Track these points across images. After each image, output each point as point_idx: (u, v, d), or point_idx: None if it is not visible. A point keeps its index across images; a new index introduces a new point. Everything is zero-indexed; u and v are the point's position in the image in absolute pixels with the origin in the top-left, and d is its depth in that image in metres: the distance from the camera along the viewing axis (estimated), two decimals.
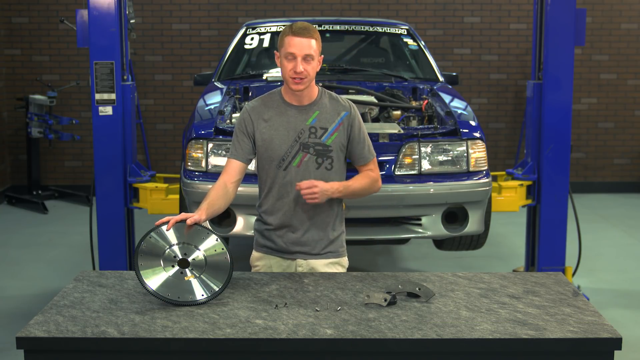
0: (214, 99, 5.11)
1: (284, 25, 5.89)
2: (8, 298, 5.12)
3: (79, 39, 4.76)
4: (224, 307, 2.45)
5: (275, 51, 3.03)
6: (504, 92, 8.66)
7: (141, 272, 2.51)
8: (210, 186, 4.28)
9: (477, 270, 5.72)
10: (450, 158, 4.48)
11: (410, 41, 5.99)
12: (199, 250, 2.57)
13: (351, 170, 3.12)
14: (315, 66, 2.90)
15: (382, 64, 6.07)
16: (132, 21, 5.65)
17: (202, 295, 2.50)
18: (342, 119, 2.97)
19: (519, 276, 2.81)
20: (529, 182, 5.03)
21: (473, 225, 4.50)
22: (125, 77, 4.86)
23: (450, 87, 5.52)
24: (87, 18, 4.67)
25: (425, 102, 4.92)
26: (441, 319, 2.36)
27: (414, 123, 4.83)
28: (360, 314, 2.40)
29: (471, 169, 4.48)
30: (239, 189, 4.41)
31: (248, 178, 4.53)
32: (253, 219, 4.33)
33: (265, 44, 5.82)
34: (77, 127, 8.14)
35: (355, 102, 4.04)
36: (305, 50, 2.85)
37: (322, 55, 2.96)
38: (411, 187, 4.38)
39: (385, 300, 2.46)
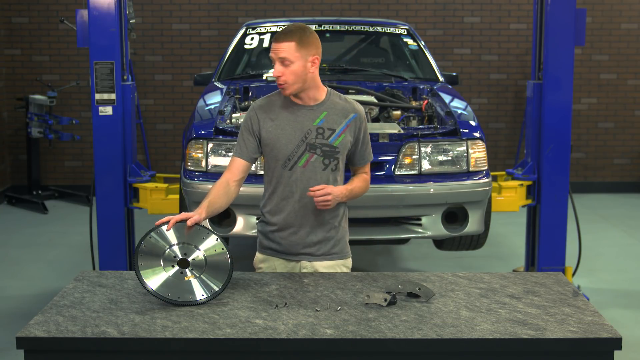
0: (214, 99, 5.11)
1: (284, 25, 5.90)
2: (8, 298, 5.12)
3: (79, 39, 4.76)
4: (224, 307, 2.45)
5: None
6: (504, 92, 8.66)
7: (141, 272, 2.51)
8: (210, 186, 4.32)
9: (477, 270, 5.72)
10: (450, 158, 4.48)
11: (410, 41, 6.00)
12: (199, 250, 2.57)
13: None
14: (296, 69, 2.83)
15: (382, 64, 6.07)
16: (132, 21, 5.65)
17: (202, 295, 2.50)
18: (350, 120, 2.96)
19: (519, 276, 2.81)
20: (529, 182, 5.03)
21: (473, 225, 4.50)
22: (125, 77, 4.86)
23: (450, 87, 5.52)
24: (87, 18, 4.67)
25: (425, 102, 4.92)
26: (441, 319, 2.36)
27: (414, 123, 4.83)
28: (360, 314, 2.40)
29: (471, 169, 4.48)
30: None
31: (248, 178, 4.53)
32: (253, 219, 4.36)
33: (265, 44, 5.82)
34: (77, 127, 8.14)
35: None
36: (280, 53, 2.83)
37: (316, 56, 2.88)
38: (411, 187, 4.38)
39: (385, 300, 2.46)
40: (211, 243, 2.59)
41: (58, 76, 8.32)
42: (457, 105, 4.91)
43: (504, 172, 5.45)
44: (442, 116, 4.71)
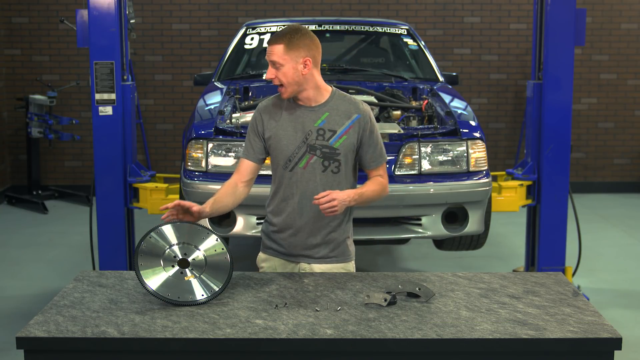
0: (214, 99, 5.11)
1: (283, 25, 5.90)
2: (8, 298, 5.12)
3: (79, 39, 4.76)
4: (224, 307, 2.45)
5: None
6: (504, 92, 8.66)
7: (141, 272, 2.51)
8: (210, 186, 4.35)
9: (477, 270, 5.72)
10: (450, 158, 4.48)
11: (410, 41, 6.00)
12: (199, 250, 2.57)
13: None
14: (286, 72, 2.84)
15: (382, 64, 6.07)
16: (132, 21, 5.65)
17: (202, 295, 2.50)
18: (353, 122, 2.92)
19: (519, 276, 2.81)
20: (529, 182, 5.03)
21: (473, 225, 4.50)
22: (125, 77, 4.86)
23: (450, 87, 5.52)
24: (87, 18, 4.67)
25: (425, 102, 4.93)
26: (441, 319, 2.36)
27: (414, 123, 4.83)
28: (360, 314, 2.40)
29: (471, 169, 4.48)
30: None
31: None
32: (253, 219, 4.36)
33: (265, 44, 5.82)
34: (77, 127, 8.14)
35: None
36: (271, 56, 2.86)
37: (307, 58, 2.85)
38: (411, 187, 4.38)
39: (385, 300, 2.46)
40: (211, 243, 2.59)
41: (58, 76, 8.32)
42: (457, 105, 4.91)
43: (504, 172, 5.45)
44: (442, 116, 4.71)
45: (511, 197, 5.05)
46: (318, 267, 2.97)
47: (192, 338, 2.21)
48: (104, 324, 2.30)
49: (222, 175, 4.38)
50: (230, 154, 4.43)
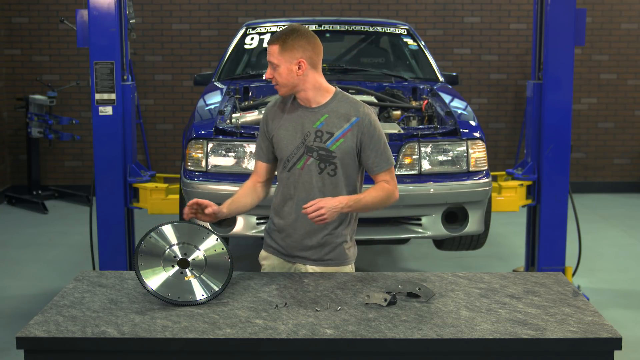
0: (214, 99, 5.11)
1: (283, 25, 5.91)
2: (8, 298, 5.12)
3: (79, 39, 4.76)
4: (224, 307, 2.45)
5: None
6: (504, 92, 8.66)
7: (141, 272, 2.51)
8: (210, 186, 4.36)
9: (477, 270, 5.72)
10: (450, 158, 4.48)
11: (410, 41, 6.00)
12: (199, 250, 2.57)
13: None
14: (281, 72, 2.84)
15: (382, 64, 6.07)
16: (132, 21, 5.65)
17: (202, 295, 2.50)
18: (352, 125, 2.87)
19: (519, 276, 2.81)
20: (529, 182, 5.03)
21: (473, 225, 4.50)
22: (125, 77, 4.86)
23: (450, 87, 5.52)
24: (87, 18, 4.67)
25: (425, 102, 4.93)
26: (441, 319, 2.36)
27: (414, 123, 4.83)
28: (360, 314, 2.40)
29: (471, 169, 4.48)
30: (239, 189, 4.38)
31: (247, 178, 4.53)
32: (253, 219, 4.36)
33: (265, 44, 5.82)
34: (77, 127, 8.14)
35: None
36: (268, 56, 2.88)
37: (301, 60, 2.83)
38: (411, 187, 4.38)
39: (385, 300, 2.46)
40: (211, 243, 2.59)
41: (58, 76, 8.32)
42: (457, 105, 4.91)
43: (504, 172, 5.45)
44: (442, 116, 4.71)
45: (511, 197, 5.05)
46: (312, 269, 2.96)
47: (192, 338, 2.21)
48: (104, 324, 2.30)
49: (222, 175, 4.38)
50: (230, 154, 4.43)
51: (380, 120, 4.85)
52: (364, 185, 3.02)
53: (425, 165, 4.45)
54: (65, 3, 8.24)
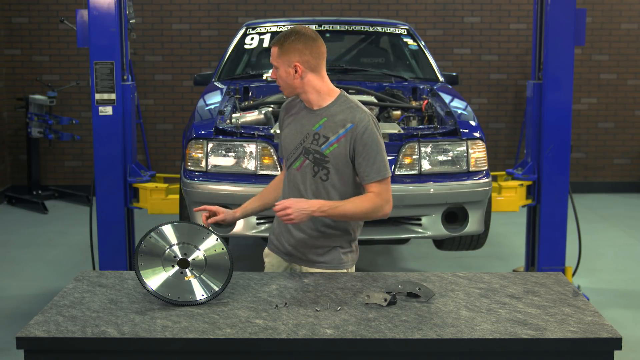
0: (214, 99, 5.11)
1: (284, 25, 5.91)
2: (8, 298, 5.12)
3: (79, 39, 4.76)
4: (224, 307, 2.45)
5: None
6: (504, 92, 8.66)
7: (141, 272, 2.51)
8: (210, 186, 4.36)
9: (477, 270, 5.72)
10: (450, 158, 4.48)
11: (410, 41, 6.00)
12: (199, 250, 2.57)
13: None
14: (281, 74, 2.84)
15: (382, 64, 6.07)
16: (132, 21, 5.65)
17: (202, 295, 2.50)
18: (346, 131, 2.82)
19: (519, 276, 2.81)
20: (529, 182, 5.03)
21: (473, 225, 4.50)
22: (125, 77, 4.86)
23: (450, 87, 5.52)
24: (87, 18, 4.67)
25: (425, 102, 4.93)
26: (441, 319, 2.36)
27: (414, 123, 4.83)
28: (360, 314, 2.40)
29: (471, 169, 4.48)
30: (239, 189, 4.39)
31: (248, 178, 4.53)
32: (253, 219, 4.36)
33: (265, 44, 5.83)
34: (77, 127, 8.15)
35: None
36: (270, 58, 2.89)
37: (297, 63, 2.81)
38: (411, 187, 4.38)
39: (385, 300, 2.46)
40: (211, 243, 2.59)
41: (58, 76, 8.32)
42: (457, 105, 4.91)
43: (504, 172, 5.45)
44: (442, 116, 4.71)
45: (511, 197, 5.05)
46: (307, 270, 2.95)
47: (192, 338, 2.21)
48: (104, 324, 2.30)
49: (222, 175, 4.39)
50: (230, 154, 4.43)
51: (380, 120, 4.85)
52: None
53: (425, 165, 4.45)
54: (65, 3, 8.24)
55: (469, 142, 4.48)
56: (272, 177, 4.17)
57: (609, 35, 8.59)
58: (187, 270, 2.54)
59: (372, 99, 4.91)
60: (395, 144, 4.44)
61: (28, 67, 8.36)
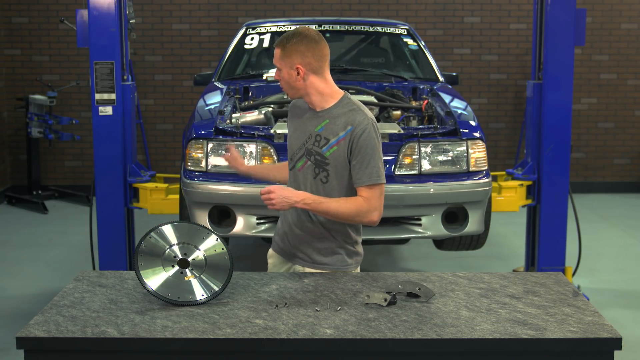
0: (214, 99, 5.11)
1: (284, 25, 5.91)
2: (8, 298, 5.12)
3: (79, 39, 4.76)
4: (224, 307, 2.45)
5: None
6: (504, 92, 8.67)
7: (141, 272, 2.51)
8: (210, 186, 4.36)
9: (477, 270, 5.72)
10: (450, 158, 4.48)
11: (410, 41, 6.00)
12: (199, 250, 2.57)
13: None
14: (283, 76, 2.85)
15: (382, 64, 6.07)
16: (132, 21, 5.65)
17: (202, 295, 2.50)
18: (346, 133, 2.82)
19: (519, 276, 2.81)
20: (529, 182, 5.03)
21: (473, 225, 4.50)
22: (125, 77, 4.86)
23: (450, 87, 5.52)
24: (87, 18, 4.67)
25: (425, 102, 4.93)
26: (441, 319, 2.36)
27: (414, 123, 4.83)
28: (360, 314, 2.40)
29: (471, 169, 4.48)
30: (238, 189, 4.39)
31: (248, 179, 4.53)
32: (253, 219, 4.36)
33: (265, 44, 5.83)
34: (77, 127, 8.15)
35: None
36: (274, 59, 2.89)
37: (299, 65, 2.81)
38: (411, 187, 4.38)
39: (385, 300, 2.46)
40: (211, 243, 2.59)
41: (58, 76, 8.33)
42: (457, 105, 4.91)
43: (504, 172, 5.45)
44: (442, 116, 4.71)
45: (511, 197, 5.05)
46: (309, 271, 2.95)
47: (192, 338, 2.21)
48: (104, 324, 2.30)
49: (222, 175, 4.38)
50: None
51: (380, 120, 4.85)
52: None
53: (425, 165, 4.45)
54: (65, 3, 8.24)
55: (469, 142, 4.48)
56: None
57: (609, 35, 8.59)
58: (187, 270, 2.54)
59: (372, 99, 4.91)
60: (395, 144, 4.44)
61: (28, 67, 8.36)
